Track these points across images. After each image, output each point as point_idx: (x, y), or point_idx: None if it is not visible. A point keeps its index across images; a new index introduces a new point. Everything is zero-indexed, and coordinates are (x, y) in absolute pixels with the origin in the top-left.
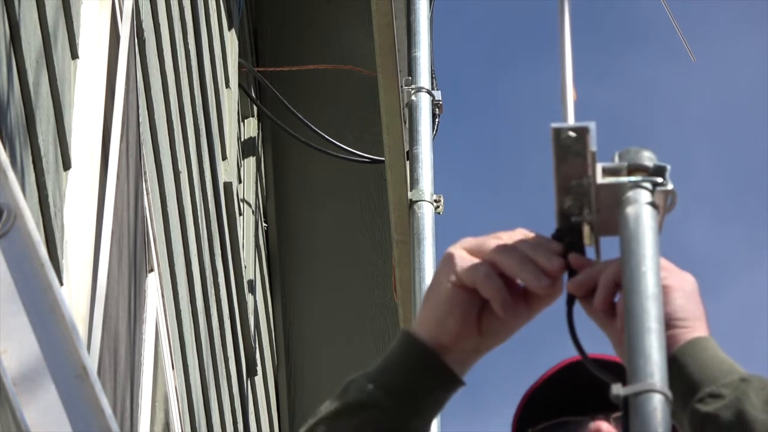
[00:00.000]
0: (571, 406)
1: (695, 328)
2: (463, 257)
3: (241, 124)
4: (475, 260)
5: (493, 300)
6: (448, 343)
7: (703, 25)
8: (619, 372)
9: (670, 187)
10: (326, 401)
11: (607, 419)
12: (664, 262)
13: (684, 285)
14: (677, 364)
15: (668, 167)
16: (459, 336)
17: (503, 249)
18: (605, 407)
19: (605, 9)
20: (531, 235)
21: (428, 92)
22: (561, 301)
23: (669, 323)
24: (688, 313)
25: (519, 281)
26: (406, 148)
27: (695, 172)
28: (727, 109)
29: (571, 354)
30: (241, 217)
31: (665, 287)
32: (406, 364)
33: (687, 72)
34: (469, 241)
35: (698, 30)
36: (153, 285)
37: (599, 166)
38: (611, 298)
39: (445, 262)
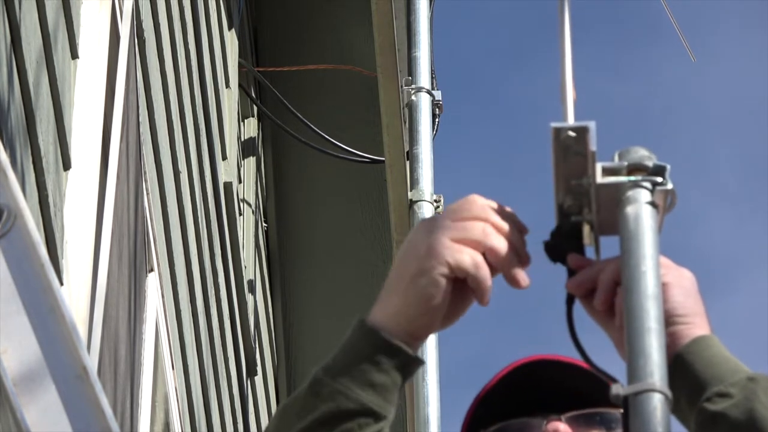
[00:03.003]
0: (524, 407)
1: (697, 324)
2: (450, 247)
3: (241, 124)
4: (463, 248)
5: (480, 290)
6: (421, 335)
7: (721, 23)
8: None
9: (669, 186)
10: (293, 404)
11: (561, 420)
12: (662, 259)
13: (682, 281)
14: (683, 363)
15: (668, 167)
16: (433, 327)
17: (494, 236)
18: (558, 407)
19: (625, 6)
20: (492, 204)
21: (428, 92)
22: (561, 301)
23: (669, 320)
24: (688, 309)
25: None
26: (406, 148)
27: (714, 169)
28: (748, 107)
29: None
30: (241, 217)
31: (663, 284)
32: (384, 365)
33: (707, 69)
34: (448, 224)
35: (717, 28)
36: (153, 285)
37: (599, 166)
38: (611, 297)
39: (431, 249)
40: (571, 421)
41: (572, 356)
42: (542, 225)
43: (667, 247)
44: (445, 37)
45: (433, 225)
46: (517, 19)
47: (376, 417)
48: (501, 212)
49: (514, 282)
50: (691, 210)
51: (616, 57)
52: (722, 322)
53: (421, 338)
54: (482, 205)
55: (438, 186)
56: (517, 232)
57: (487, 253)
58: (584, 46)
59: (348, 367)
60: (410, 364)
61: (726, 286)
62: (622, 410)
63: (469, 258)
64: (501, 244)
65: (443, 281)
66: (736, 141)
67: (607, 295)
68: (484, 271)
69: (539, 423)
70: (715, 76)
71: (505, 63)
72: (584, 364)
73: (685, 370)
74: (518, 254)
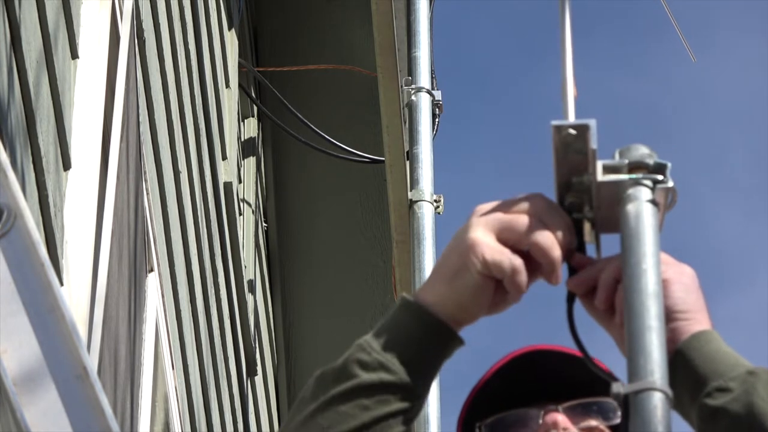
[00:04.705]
0: (521, 397)
1: (697, 320)
2: (490, 246)
3: (241, 124)
4: (504, 250)
5: (515, 292)
6: (466, 322)
7: (731, 19)
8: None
9: (670, 184)
10: (332, 371)
11: (558, 410)
12: (662, 255)
13: (682, 278)
14: (683, 358)
15: (668, 164)
16: (476, 317)
17: (541, 234)
18: (555, 397)
19: (635, 3)
20: (553, 206)
21: (428, 92)
22: (562, 299)
23: (670, 316)
24: (689, 305)
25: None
26: (406, 148)
27: (726, 165)
28: (759, 102)
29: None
30: (241, 217)
31: (664, 281)
32: (429, 341)
33: (718, 64)
34: (498, 219)
35: (728, 23)
36: (153, 285)
37: (600, 164)
38: (612, 297)
39: (473, 247)
40: (568, 411)
41: (568, 346)
42: None
43: (678, 243)
44: (448, 35)
45: (483, 216)
46: (522, 17)
47: (415, 394)
48: (552, 208)
49: (551, 278)
50: (703, 206)
51: (627, 54)
52: (735, 319)
53: (464, 323)
54: (534, 200)
55: (438, 186)
56: (566, 229)
57: (531, 249)
58: (595, 43)
59: (393, 341)
60: (453, 344)
61: (739, 283)
62: (621, 409)
63: (508, 261)
64: (546, 241)
65: (480, 279)
66: (748, 136)
67: (608, 294)
68: (520, 277)
69: (536, 413)
70: (726, 72)
71: (509, 62)
72: (599, 363)
73: (686, 366)
74: (558, 262)
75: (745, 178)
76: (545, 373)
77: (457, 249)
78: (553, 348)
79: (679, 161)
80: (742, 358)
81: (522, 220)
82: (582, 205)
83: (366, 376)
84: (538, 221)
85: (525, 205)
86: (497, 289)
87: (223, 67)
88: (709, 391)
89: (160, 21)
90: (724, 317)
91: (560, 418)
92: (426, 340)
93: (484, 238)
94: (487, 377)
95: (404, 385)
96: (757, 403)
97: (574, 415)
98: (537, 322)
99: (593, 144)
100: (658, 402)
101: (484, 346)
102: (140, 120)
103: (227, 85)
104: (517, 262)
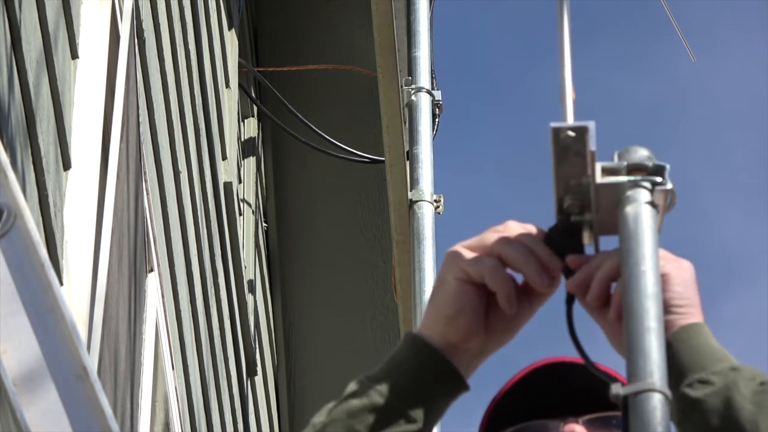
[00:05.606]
0: (541, 410)
1: (692, 314)
2: (466, 253)
3: (241, 124)
4: (478, 255)
5: (500, 292)
6: (458, 341)
7: (733, 17)
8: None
9: (669, 186)
10: (329, 405)
11: (578, 422)
12: (661, 251)
13: (681, 272)
14: (670, 350)
15: (667, 166)
16: (468, 334)
17: (506, 241)
18: (575, 410)
19: (639, 2)
20: (527, 227)
21: (428, 92)
22: (561, 302)
23: (666, 309)
24: (685, 300)
25: (521, 275)
26: (406, 148)
27: (729, 165)
28: (761, 102)
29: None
30: (241, 217)
31: (663, 275)
32: (418, 366)
33: (721, 65)
34: (468, 241)
35: (730, 22)
36: (153, 285)
37: (599, 166)
38: (605, 295)
39: (449, 259)
40: (587, 424)
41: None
42: (545, 226)
43: (680, 243)
44: (448, 35)
45: (453, 251)
46: (522, 17)
47: (408, 419)
48: (526, 229)
49: (534, 284)
50: (705, 206)
51: (628, 53)
52: (737, 320)
53: (458, 347)
54: (503, 224)
55: (438, 186)
56: (537, 239)
57: (502, 257)
58: (596, 43)
59: (386, 371)
60: (446, 370)
61: (741, 283)
62: (621, 411)
63: (480, 260)
64: (511, 249)
65: (460, 285)
66: (749, 135)
67: (600, 291)
68: (499, 273)
69: (556, 425)
70: (727, 72)
71: (509, 61)
72: (601, 366)
73: (671, 356)
74: (535, 263)
75: (747, 177)
76: (566, 385)
77: (437, 278)
78: (574, 360)
79: (681, 161)
80: (729, 354)
81: (493, 234)
82: (581, 207)
83: (353, 402)
84: (511, 236)
85: (495, 228)
86: (491, 308)
87: (223, 67)
88: (690, 382)
89: (160, 21)
90: (726, 318)
91: (579, 429)
92: (418, 365)
93: (459, 249)
94: (507, 388)
95: (394, 409)
96: (736, 399)
97: (594, 428)
98: (537, 324)
99: (592, 146)
100: (657, 403)
101: (498, 354)
102: (140, 120)
103: (227, 85)
104: (493, 260)
